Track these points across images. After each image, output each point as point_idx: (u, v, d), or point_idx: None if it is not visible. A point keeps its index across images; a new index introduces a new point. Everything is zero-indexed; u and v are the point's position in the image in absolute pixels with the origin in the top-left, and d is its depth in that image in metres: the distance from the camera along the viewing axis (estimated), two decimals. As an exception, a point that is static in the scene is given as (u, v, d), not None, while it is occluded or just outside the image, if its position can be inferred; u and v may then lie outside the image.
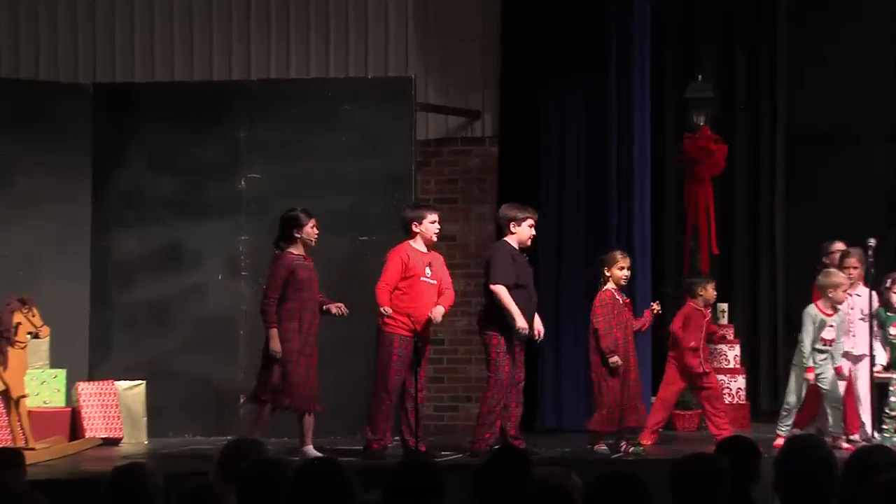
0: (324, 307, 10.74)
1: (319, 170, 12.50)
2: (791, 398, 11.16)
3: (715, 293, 11.74)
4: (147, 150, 12.77)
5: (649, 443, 11.31)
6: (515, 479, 5.65)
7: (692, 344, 11.41)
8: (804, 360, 11.09)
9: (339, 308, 10.70)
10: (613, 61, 12.75)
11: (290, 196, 11.77)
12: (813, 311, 11.12)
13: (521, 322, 10.57)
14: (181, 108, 12.85)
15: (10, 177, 12.47)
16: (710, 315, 11.82)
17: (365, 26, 13.35)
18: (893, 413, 10.90)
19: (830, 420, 11.07)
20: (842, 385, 11.19)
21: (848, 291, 11.21)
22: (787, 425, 11.12)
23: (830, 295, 11.02)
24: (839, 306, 11.06)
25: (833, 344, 11.06)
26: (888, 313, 11.00)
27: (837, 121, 13.73)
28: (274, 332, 10.55)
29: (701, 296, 11.62)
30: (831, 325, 11.06)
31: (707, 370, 11.50)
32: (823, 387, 11.01)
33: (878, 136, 13.72)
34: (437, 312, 10.70)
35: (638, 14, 12.75)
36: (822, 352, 11.03)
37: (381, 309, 10.54)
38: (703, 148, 13.00)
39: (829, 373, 11.04)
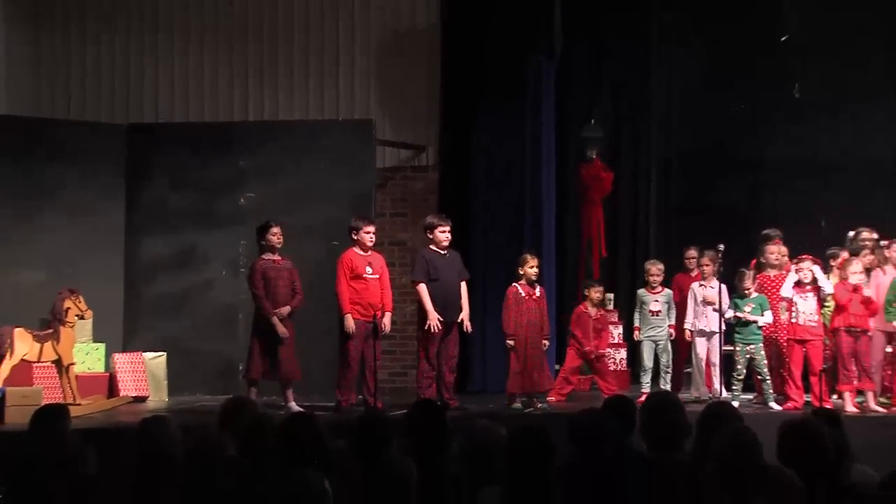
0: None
1: (302, 190, 12.50)
2: (646, 363, 11.38)
3: (599, 294, 11.81)
4: (168, 174, 12.74)
5: (555, 400, 11.42)
6: (429, 425, 5.73)
7: (587, 347, 11.60)
8: (634, 322, 11.58)
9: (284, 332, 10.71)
10: (528, 108, 12.76)
11: (279, 210, 11.79)
12: (640, 292, 11.57)
13: (431, 319, 10.62)
14: (195, 142, 12.85)
15: (61, 195, 12.43)
16: (599, 313, 11.82)
17: (337, 79, 13.40)
18: (740, 377, 10.99)
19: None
20: (701, 353, 11.34)
21: (703, 284, 11.38)
22: (647, 382, 11.30)
23: (648, 279, 11.50)
24: (666, 289, 11.52)
25: (660, 315, 11.35)
26: (739, 298, 11.10)
27: (698, 153, 13.81)
28: (275, 319, 10.60)
29: (588, 297, 11.75)
30: (657, 301, 11.39)
31: (599, 353, 11.66)
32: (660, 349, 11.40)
33: (730, 164, 13.77)
34: (386, 321, 10.80)
35: (546, 71, 12.80)
36: (656, 324, 11.37)
37: (346, 328, 10.59)
38: (595, 175, 13.11)
39: (662, 338, 11.38)
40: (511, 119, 12.80)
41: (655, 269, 11.60)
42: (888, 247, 11.13)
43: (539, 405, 10.89)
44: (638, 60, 13.79)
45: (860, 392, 10.64)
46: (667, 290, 11.54)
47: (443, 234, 10.86)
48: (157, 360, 12.07)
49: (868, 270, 10.93)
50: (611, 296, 13.10)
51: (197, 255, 12.67)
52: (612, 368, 12.56)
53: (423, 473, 5.16)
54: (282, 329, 10.58)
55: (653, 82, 13.78)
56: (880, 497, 4.39)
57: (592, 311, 11.71)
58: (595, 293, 11.75)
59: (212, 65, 13.52)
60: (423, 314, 10.78)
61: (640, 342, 11.52)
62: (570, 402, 11.44)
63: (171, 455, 5.64)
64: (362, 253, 10.82)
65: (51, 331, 10.88)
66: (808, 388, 10.79)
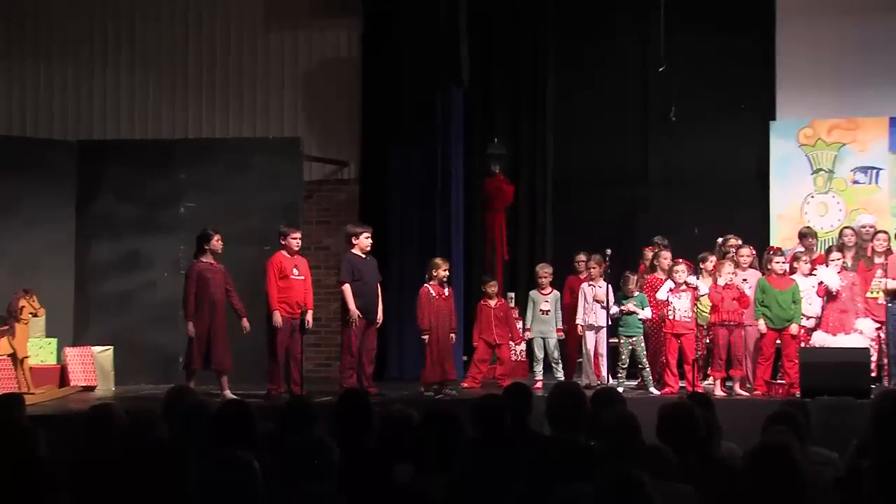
0: (236, 308, 10.71)
1: (236, 200, 12.42)
2: (537, 354, 11.43)
3: (494, 288, 11.77)
4: (115, 186, 12.63)
5: (469, 386, 11.41)
6: (356, 412, 5.71)
7: (486, 336, 11.55)
8: (525, 322, 11.58)
9: (245, 327, 10.70)
10: (439, 128, 12.83)
11: (216, 219, 11.65)
12: (532, 293, 11.52)
13: (352, 314, 10.68)
14: (139, 157, 12.77)
15: (18, 206, 12.32)
16: (499, 303, 11.79)
17: (268, 100, 13.38)
18: (624, 366, 11.11)
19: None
20: (590, 345, 11.40)
21: (592, 284, 11.46)
22: (539, 371, 11.35)
23: (539, 281, 11.51)
24: (554, 289, 11.53)
25: (549, 313, 11.39)
26: (624, 297, 11.23)
27: (587, 169, 13.87)
28: (190, 324, 10.54)
29: (485, 292, 11.75)
30: (546, 301, 11.41)
31: (499, 342, 11.62)
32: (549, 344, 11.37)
33: (617, 178, 13.85)
34: (309, 318, 10.80)
35: (455, 97, 12.87)
36: (545, 321, 11.37)
37: (274, 323, 10.58)
38: (498, 188, 13.11)
39: (551, 334, 11.36)
40: (424, 138, 12.82)
41: (544, 271, 11.62)
42: (736, 252, 11.29)
43: (448, 392, 10.92)
44: (537, 86, 13.87)
45: (728, 378, 10.84)
46: (555, 292, 11.56)
47: (367, 241, 10.94)
48: (104, 353, 11.88)
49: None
50: (512, 294, 13.12)
51: (141, 258, 12.55)
52: (513, 359, 12.63)
53: (347, 452, 5.13)
54: (191, 329, 10.52)
55: (549, 105, 13.85)
56: (743, 469, 4.47)
57: (492, 302, 11.71)
58: (490, 288, 11.72)
59: (155, 87, 13.42)
60: (346, 311, 10.78)
61: (531, 339, 11.54)
62: (484, 388, 11.44)
63: (117, 438, 5.56)
64: (290, 256, 10.81)
65: (7, 327, 10.74)
66: (682, 375, 10.95)
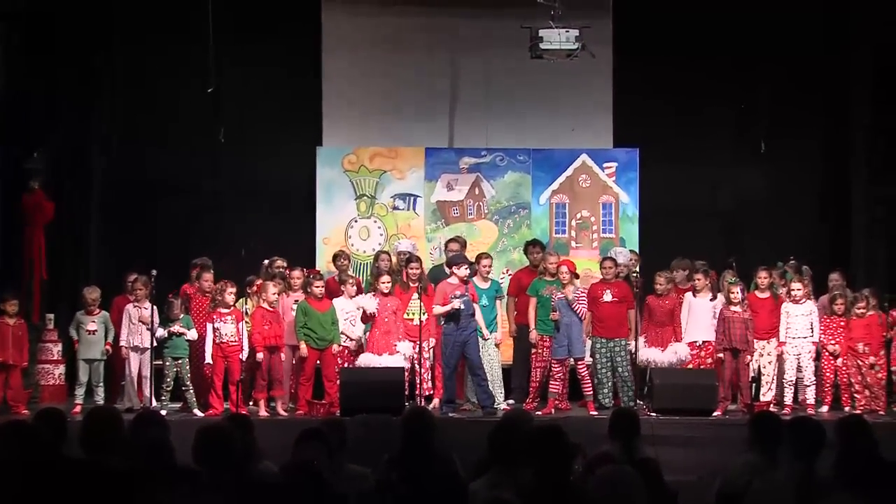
0: None
1: None
2: (81, 378, 11.26)
3: (14, 307, 11.40)
4: None
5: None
6: None
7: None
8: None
9: None
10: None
11: None
12: (79, 314, 11.41)
13: None
14: None
15: None
16: (18, 321, 11.41)
17: None
18: (169, 388, 11.09)
19: None
20: (135, 367, 11.21)
21: (137, 305, 11.29)
22: (79, 395, 11.20)
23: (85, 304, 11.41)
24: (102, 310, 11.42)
25: (96, 334, 11.31)
26: (168, 320, 11.16)
27: (138, 187, 13.62)
28: None
29: (4, 311, 11.33)
30: (93, 321, 11.33)
31: (13, 363, 11.23)
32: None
33: (164, 200, 13.72)
34: None
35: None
36: (93, 342, 11.28)
37: None
38: (37, 204, 12.61)
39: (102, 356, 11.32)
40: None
41: (91, 296, 11.42)
42: (289, 275, 11.62)
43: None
44: (90, 98, 13.50)
45: (272, 398, 11.10)
46: (103, 313, 11.42)
47: None
48: None
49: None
50: (51, 315, 12.63)
51: None
52: (52, 383, 12.20)
53: None
54: None
55: (98, 118, 13.54)
56: (273, 486, 4.64)
57: (11, 321, 11.31)
58: (10, 307, 11.34)
59: None
60: None
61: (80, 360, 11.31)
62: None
63: None
64: None
65: None
66: (227, 397, 11.07)
